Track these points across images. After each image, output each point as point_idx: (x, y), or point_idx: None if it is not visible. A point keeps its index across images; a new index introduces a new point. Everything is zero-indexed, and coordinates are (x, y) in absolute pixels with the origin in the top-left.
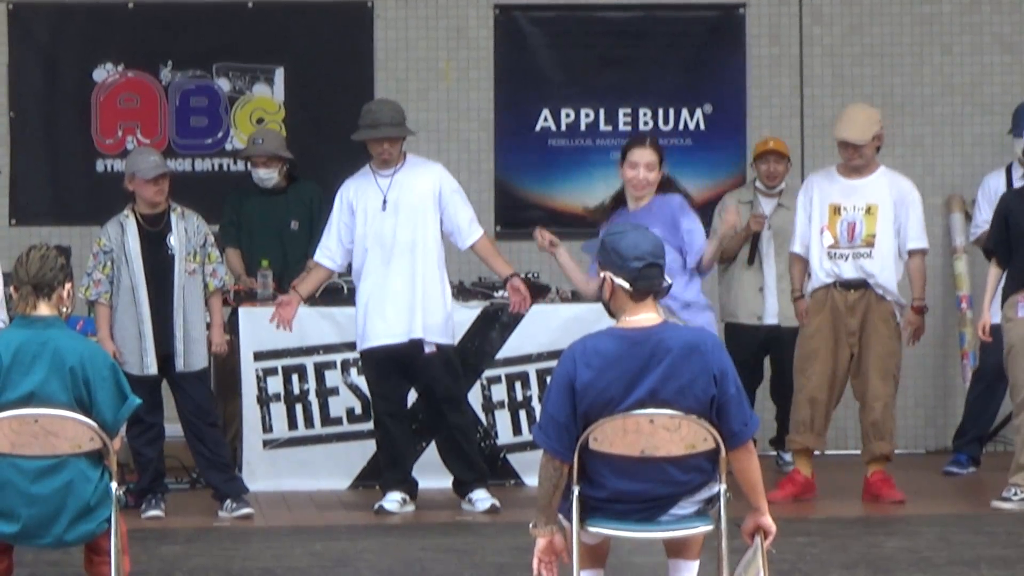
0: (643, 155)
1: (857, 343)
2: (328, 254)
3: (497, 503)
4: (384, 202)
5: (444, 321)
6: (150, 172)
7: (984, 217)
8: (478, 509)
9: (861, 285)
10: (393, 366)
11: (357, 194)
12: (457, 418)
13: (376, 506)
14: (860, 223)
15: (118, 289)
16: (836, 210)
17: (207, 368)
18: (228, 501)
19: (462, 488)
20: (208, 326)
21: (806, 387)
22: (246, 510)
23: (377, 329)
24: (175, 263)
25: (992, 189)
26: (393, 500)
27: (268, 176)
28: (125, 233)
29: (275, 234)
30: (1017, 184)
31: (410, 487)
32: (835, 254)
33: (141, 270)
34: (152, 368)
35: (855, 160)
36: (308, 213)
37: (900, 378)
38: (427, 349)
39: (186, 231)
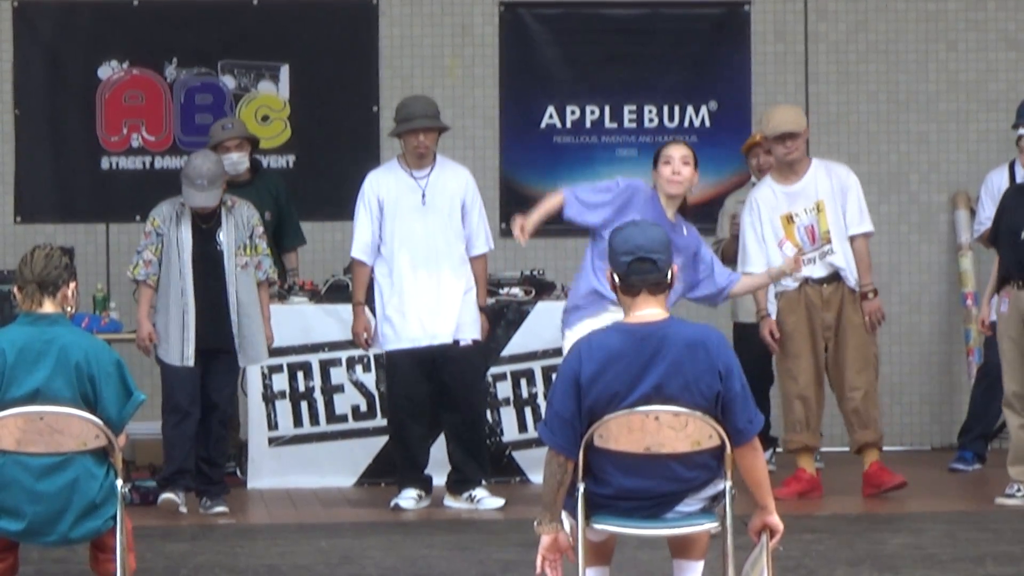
0: (678, 149)
1: (833, 336)
2: (367, 251)
3: (503, 501)
4: (423, 199)
5: (475, 318)
6: (190, 200)
7: (987, 214)
8: (484, 507)
9: (833, 279)
10: (422, 368)
11: (387, 190)
12: (481, 411)
13: (392, 503)
14: (815, 223)
15: (166, 276)
16: (789, 219)
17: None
18: (205, 498)
19: (462, 485)
20: None
21: (795, 387)
22: (220, 508)
23: (414, 331)
24: (224, 259)
25: (995, 185)
26: (409, 497)
27: (241, 160)
28: (180, 223)
29: None
30: (1020, 180)
31: (425, 484)
32: (804, 260)
33: (190, 263)
34: (191, 360)
35: (793, 153)
36: (275, 204)
37: (906, 374)
38: (463, 343)
39: (235, 224)
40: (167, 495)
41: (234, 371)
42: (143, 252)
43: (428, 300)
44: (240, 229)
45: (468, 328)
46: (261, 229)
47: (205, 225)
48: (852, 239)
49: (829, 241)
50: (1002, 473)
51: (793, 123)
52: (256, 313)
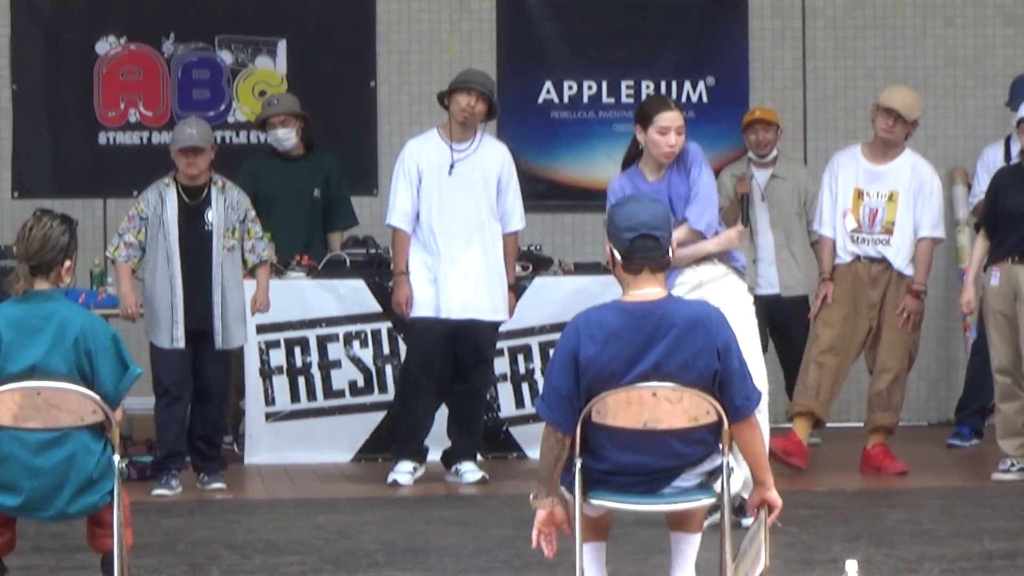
0: (675, 118)
1: (876, 316)
2: (406, 219)
3: (486, 475)
4: (463, 171)
5: (504, 300)
6: (180, 143)
7: (982, 188)
8: (466, 481)
9: (884, 260)
10: (444, 340)
11: (427, 160)
12: (484, 385)
13: (390, 479)
14: (881, 210)
15: (153, 259)
16: (859, 195)
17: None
18: (203, 474)
19: (452, 458)
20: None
21: (814, 351)
22: (217, 484)
23: (445, 302)
24: (212, 239)
25: (991, 161)
26: (405, 472)
27: (287, 136)
28: (164, 203)
29: (298, 201)
30: (1015, 156)
31: (421, 456)
32: (857, 238)
33: (177, 243)
34: (181, 342)
35: (890, 133)
36: (325, 182)
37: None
38: (484, 321)
39: (225, 205)
40: (159, 491)
41: (224, 351)
42: (124, 235)
43: (461, 274)
44: (230, 211)
45: (495, 309)
46: (254, 213)
47: (192, 201)
48: (920, 239)
49: (890, 232)
50: (991, 449)
51: (904, 106)
52: (238, 297)
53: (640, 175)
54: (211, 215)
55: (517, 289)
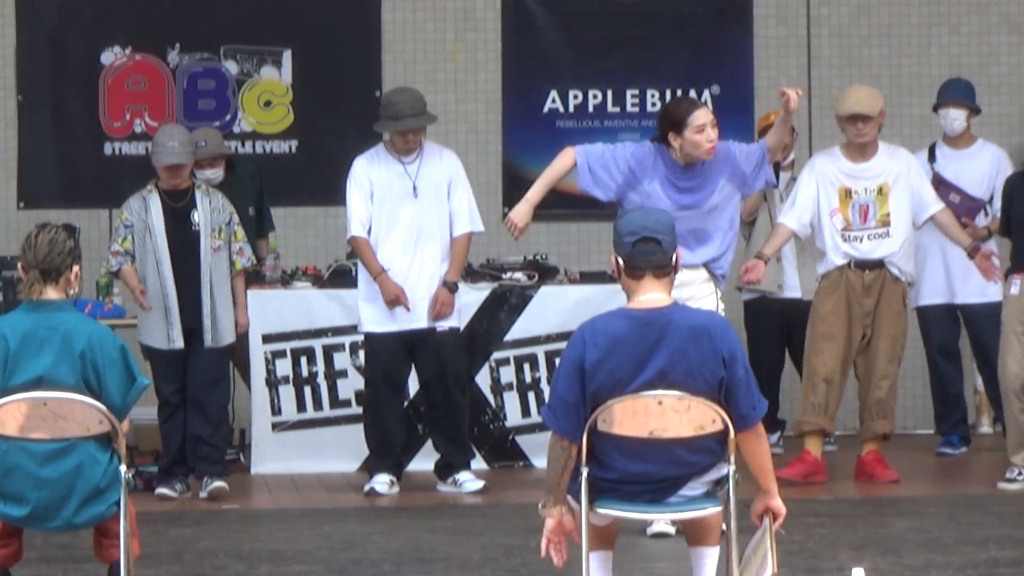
0: (708, 115)
1: (871, 324)
2: (366, 227)
3: (486, 483)
4: (413, 189)
5: (456, 307)
6: (163, 160)
7: None
8: (466, 491)
9: (877, 265)
10: (403, 351)
11: (378, 176)
12: (462, 400)
13: (367, 488)
14: (872, 204)
15: (143, 264)
16: (847, 193)
17: (231, 346)
18: (205, 477)
19: (446, 470)
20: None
21: (822, 369)
22: (219, 483)
23: (396, 314)
24: (200, 239)
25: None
26: (383, 482)
27: (215, 175)
28: (148, 209)
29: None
30: (940, 159)
31: (397, 469)
32: (849, 236)
33: (165, 245)
34: (178, 342)
35: (863, 136)
36: (256, 196)
37: (909, 358)
38: (440, 329)
39: (211, 207)
40: (162, 489)
41: (216, 352)
42: (112, 246)
43: (413, 285)
44: (217, 213)
45: (452, 315)
46: (237, 217)
47: (176, 204)
48: (936, 216)
49: (887, 224)
50: (991, 456)
51: (866, 105)
52: (226, 296)
53: (670, 156)
54: (197, 216)
55: (454, 288)
